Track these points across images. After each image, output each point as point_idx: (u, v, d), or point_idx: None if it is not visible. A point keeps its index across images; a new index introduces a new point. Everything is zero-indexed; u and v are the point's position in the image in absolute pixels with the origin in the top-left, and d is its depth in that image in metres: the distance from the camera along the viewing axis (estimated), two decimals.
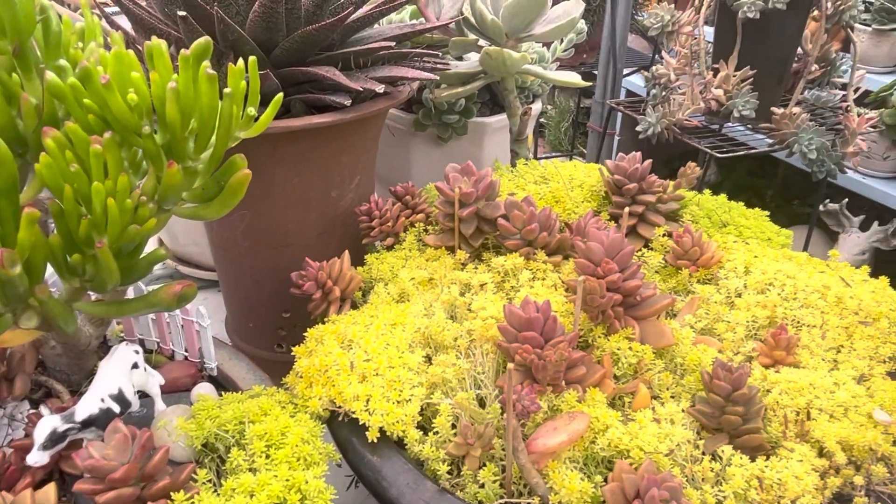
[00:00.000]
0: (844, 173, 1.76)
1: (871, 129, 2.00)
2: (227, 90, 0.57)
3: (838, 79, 1.75)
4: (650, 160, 0.78)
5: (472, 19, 0.87)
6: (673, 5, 1.66)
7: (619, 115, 2.38)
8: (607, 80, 2.00)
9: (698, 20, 1.64)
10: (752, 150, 1.68)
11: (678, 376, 0.63)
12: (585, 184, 0.81)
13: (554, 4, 0.94)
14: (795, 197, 2.44)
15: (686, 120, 1.68)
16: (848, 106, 1.69)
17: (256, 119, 0.60)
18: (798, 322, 0.65)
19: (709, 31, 1.71)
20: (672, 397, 0.61)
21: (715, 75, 1.67)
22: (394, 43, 0.73)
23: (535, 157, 2.82)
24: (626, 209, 0.69)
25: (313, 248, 0.82)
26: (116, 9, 0.83)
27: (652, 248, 0.75)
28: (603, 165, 0.79)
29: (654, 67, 1.85)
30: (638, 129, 1.73)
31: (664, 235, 0.76)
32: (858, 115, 1.70)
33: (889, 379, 0.62)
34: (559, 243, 0.72)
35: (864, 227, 2.03)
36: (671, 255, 0.74)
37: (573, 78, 0.92)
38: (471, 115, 1.00)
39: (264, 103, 0.72)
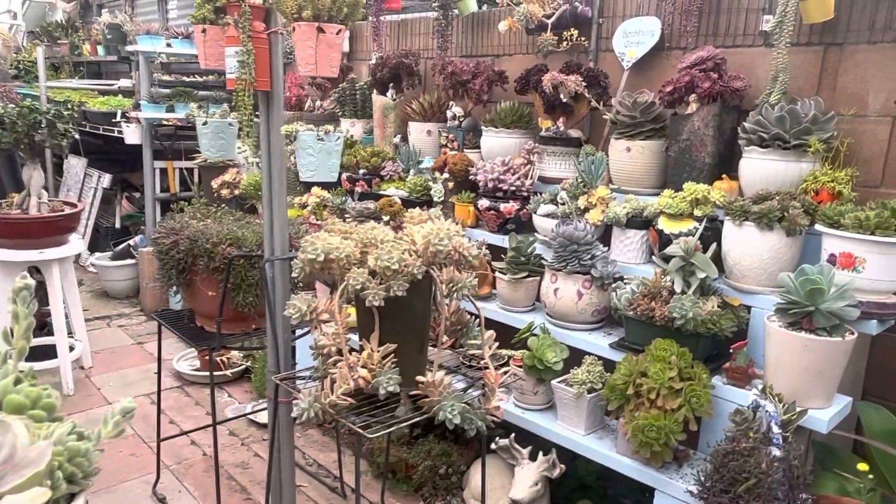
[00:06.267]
0: (493, 427, 1.90)
1: (518, 368, 2.23)
2: None
3: (473, 340, 1.93)
4: None
5: None
6: (311, 295, 1.75)
7: None
8: (277, 352, 2.00)
9: (335, 306, 1.73)
10: (405, 423, 1.75)
11: None
12: None
13: None
14: None
15: (341, 399, 1.71)
16: (486, 363, 1.87)
17: None
18: None
19: None
20: None
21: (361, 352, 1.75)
22: None
23: (247, 414, 2.66)
24: None
25: None
26: None
27: None
28: None
29: (315, 338, 1.90)
30: (293, 415, 1.71)
31: None
32: (500, 367, 1.88)
33: None
34: None
35: (533, 456, 2.19)
36: None
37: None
38: None
39: None
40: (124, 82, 5.60)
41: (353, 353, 1.74)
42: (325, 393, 1.69)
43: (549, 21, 2.78)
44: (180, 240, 2.03)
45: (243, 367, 3.42)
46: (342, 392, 1.68)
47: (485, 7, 3.42)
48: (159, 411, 2.46)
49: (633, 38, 2.63)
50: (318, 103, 4.03)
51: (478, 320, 1.91)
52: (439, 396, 1.71)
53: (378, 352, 1.71)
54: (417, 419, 1.72)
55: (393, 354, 1.71)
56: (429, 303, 1.78)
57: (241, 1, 1.74)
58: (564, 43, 2.73)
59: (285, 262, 1.96)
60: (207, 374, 3.35)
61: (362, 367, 1.69)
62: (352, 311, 1.83)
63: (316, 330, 1.74)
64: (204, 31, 1.96)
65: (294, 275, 1.70)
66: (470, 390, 1.90)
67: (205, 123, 1.98)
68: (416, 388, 1.74)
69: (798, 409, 1.72)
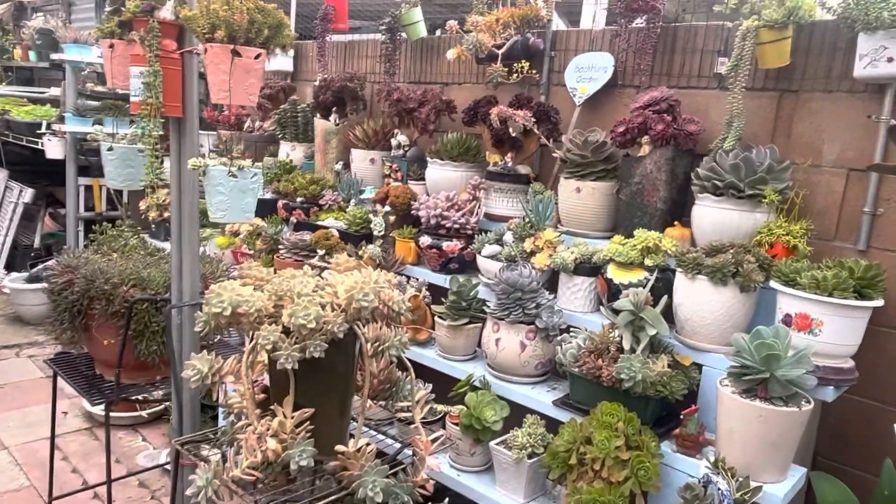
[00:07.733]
0: (422, 501, 1.70)
1: (455, 426, 2.04)
2: None
3: (403, 402, 1.75)
4: None
5: None
6: (213, 354, 1.53)
7: None
8: (181, 411, 1.78)
9: (240, 368, 1.53)
10: (320, 501, 1.54)
11: None
12: None
13: None
14: None
15: (246, 473, 1.50)
16: (416, 426, 1.69)
17: None
18: None
19: None
20: None
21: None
22: None
23: (162, 465, 2.35)
24: None
25: None
26: None
27: None
28: None
29: (225, 397, 1.69)
30: (187, 493, 1.49)
31: None
32: (435, 422, 1.69)
33: None
34: None
35: None
36: None
37: None
38: None
39: None
40: (54, 91, 5.25)
41: (266, 417, 1.53)
42: (229, 466, 1.47)
43: (500, 51, 2.64)
44: (75, 279, 1.79)
45: (162, 407, 3.14)
46: (248, 466, 1.47)
47: (438, 32, 3.29)
48: (52, 467, 2.18)
49: (586, 73, 2.52)
50: (257, 123, 3.82)
51: (409, 378, 1.73)
52: (360, 470, 1.51)
53: (292, 418, 1.50)
54: (336, 496, 1.51)
55: (309, 421, 1.51)
56: (353, 361, 1.58)
57: (149, 16, 1.54)
58: (515, 75, 2.60)
59: (195, 308, 1.74)
60: (120, 415, 3.06)
61: (272, 436, 1.48)
62: None
63: (221, 390, 1.53)
64: (112, 46, 1.74)
65: (197, 329, 1.48)
66: (404, 451, 1.72)
67: (110, 149, 1.76)
68: (335, 458, 1.55)
69: (752, 486, 1.58)
